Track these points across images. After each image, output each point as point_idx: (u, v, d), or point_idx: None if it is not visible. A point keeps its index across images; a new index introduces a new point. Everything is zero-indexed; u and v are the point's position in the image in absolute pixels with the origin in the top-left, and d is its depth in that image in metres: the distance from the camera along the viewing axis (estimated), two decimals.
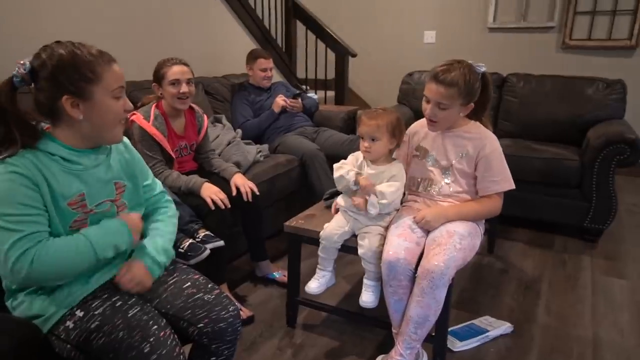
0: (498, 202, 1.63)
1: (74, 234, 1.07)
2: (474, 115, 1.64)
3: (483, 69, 1.56)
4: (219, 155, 2.29)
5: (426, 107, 1.58)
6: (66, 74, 1.02)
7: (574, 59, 3.93)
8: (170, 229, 1.31)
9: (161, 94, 1.98)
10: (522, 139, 3.05)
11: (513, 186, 1.62)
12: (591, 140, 2.58)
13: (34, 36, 2.19)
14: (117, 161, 1.21)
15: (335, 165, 1.64)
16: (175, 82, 1.93)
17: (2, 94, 1.01)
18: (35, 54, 1.05)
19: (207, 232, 1.80)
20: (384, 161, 1.62)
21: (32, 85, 1.05)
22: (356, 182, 1.56)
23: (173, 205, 1.38)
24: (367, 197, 1.54)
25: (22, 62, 1.02)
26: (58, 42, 1.07)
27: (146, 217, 1.30)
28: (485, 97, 1.61)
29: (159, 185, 1.37)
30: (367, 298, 1.60)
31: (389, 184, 1.55)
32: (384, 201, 1.52)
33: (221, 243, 1.79)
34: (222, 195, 1.88)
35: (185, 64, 1.98)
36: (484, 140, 1.60)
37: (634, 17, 3.65)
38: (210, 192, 1.87)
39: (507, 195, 1.67)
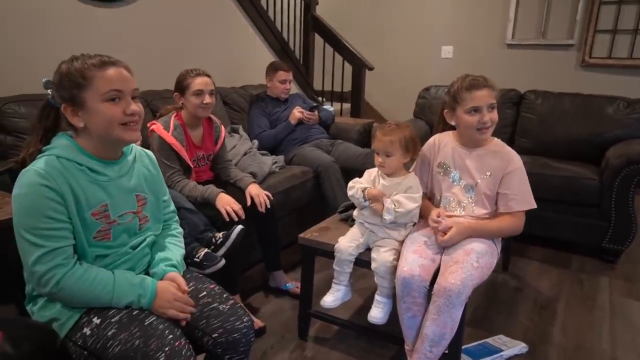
0: (520, 220, 1.63)
1: (107, 270, 1.11)
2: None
3: None
4: (236, 165, 2.31)
5: (474, 120, 1.56)
6: (63, 84, 1.08)
7: (594, 77, 3.89)
8: (182, 242, 1.37)
9: (182, 103, 2.01)
10: (540, 156, 3.02)
11: (534, 206, 1.62)
12: (611, 160, 2.55)
13: (63, 47, 2.26)
14: (142, 174, 1.24)
15: (349, 184, 1.67)
16: (199, 93, 1.97)
17: (42, 115, 1.12)
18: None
19: (207, 251, 1.77)
20: (398, 173, 1.63)
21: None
22: (366, 198, 1.59)
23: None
24: (385, 204, 1.55)
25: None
26: (73, 56, 1.12)
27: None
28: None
29: (172, 203, 1.41)
30: (377, 314, 1.59)
31: (408, 196, 1.56)
32: (400, 209, 1.53)
33: (240, 227, 1.81)
34: (237, 207, 1.89)
35: (208, 76, 2.02)
36: (507, 160, 1.60)
37: None
38: (225, 203, 1.89)
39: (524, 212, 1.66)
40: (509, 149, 1.64)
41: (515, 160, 1.61)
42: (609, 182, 2.49)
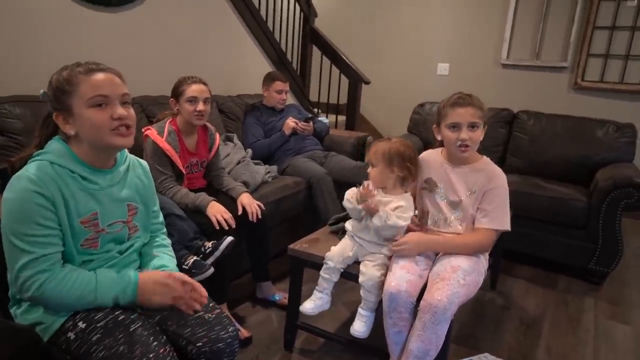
0: (488, 238, 1.60)
1: (89, 271, 1.10)
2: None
3: None
4: (229, 174, 2.32)
5: (453, 136, 1.59)
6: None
7: (585, 100, 3.95)
8: (172, 252, 1.37)
9: (177, 109, 2.02)
10: (530, 176, 3.06)
11: (507, 228, 1.60)
12: (599, 182, 2.59)
13: (59, 51, 2.26)
14: (134, 184, 1.24)
15: (346, 193, 1.68)
16: (193, 100, 1.98)
17: (44, 123, 1.14)
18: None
19: (214, 241, 1.81)
20: (393, 191, 1.64)
21: None
22: (359, 200, 1.60)
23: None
24: (379, 211, 1.56)
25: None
26: (64, 66, 1.12)
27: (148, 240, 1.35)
28: None
29: (161, 214, 1.41)
30: (359, 328, 1.59)
31: (399, 215, 1.56)
32: (389, 222, 1.54)
33: (230, 238, 1.80)
34: (228, 215, 1.89)
35: (204, 83, 2.03)
36: (491, 177, 1.61)
37: None
38: (216, 211, 1.89)
39: (513, 231, 1.67)
40: (495, 167, 1.66)
41: (499, 178, 1.62)
42: (597, 205, 2.53)
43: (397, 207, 1.58)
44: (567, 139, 3.07)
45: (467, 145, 1.58)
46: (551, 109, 3.41)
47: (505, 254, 2.61)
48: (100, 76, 1.08)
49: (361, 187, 1.59)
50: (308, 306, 1.68)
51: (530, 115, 3.28)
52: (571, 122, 3.14)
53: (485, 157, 1.68)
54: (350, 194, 1.66)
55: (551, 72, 4.07)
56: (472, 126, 1.57)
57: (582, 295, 2.50)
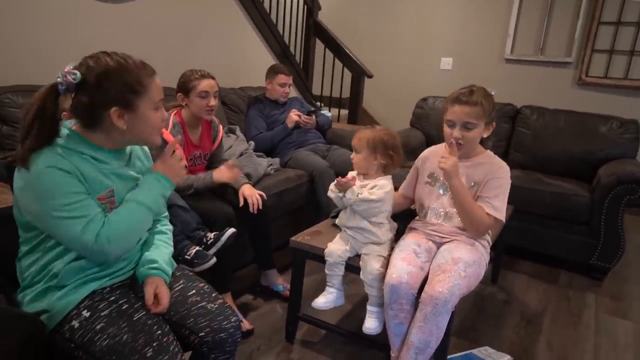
0: (489, 222, 1.57)
1: (123, 203, 1.13)
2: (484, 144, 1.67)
3: (494, 92, 1.62)
4: None
5: (449, 132, 1.59)
6: (115, 86, 1.06)
7: (589, 95, 3.94)
8: (170, 240, 1.35)
9: (185, 104, 2.02)
10: (533, 171, 3.06)
11: (502, 219, 1.59)
12: (602, 178, 2.58)
13: (62, 41, 2.26)
14: (137, 164, 1.25)
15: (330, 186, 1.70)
16: (205, 95, 1.98)
17: (48, 102, 1.04)
18: (81, 63, 1.06)
19: (216, 232, 1.81)
20: (374, 176, 1.67)
21: (75, 92, 1.06)
22: (339, 190, 1.62)
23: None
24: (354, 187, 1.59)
25: (71, 71, 1.02)
26: (104, 52, 1.09)
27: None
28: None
29: None
30: (371, 325, 1.60)
31: (371, 192, 1.59)
32: (360, 196, 1.56)
33: (232, 230, 1.81)
34: (232, 174, 1.97)
35: (213, 78, 2.03)
36: (495, 168, 1.61)
37: None
38: (222, 176, 1.96)
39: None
40: (499, 160, 1.65)
41: (503, 170, 1.62)
42: (599, 200, 2.52)
43: (373, 186, 1.62)
44: (570, 135, 3.06)
45: (460, 144, 1.58)
46: (555, 104, 3.40)
47: (506, 250, 2.61)
48: (157, 80, 1.14)
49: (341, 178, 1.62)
50: (320, 301, 1.68)
51: (533, 110, 3.27)
52: (574, 117, 3.13)
53: (488, 150, 1.68)
54: (333, 184, 1.67)
55: (555, 67, 4.05)
56: (467, 126, 1.56)
57: (584, 291, 2.51)
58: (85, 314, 1.07)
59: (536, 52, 4.10)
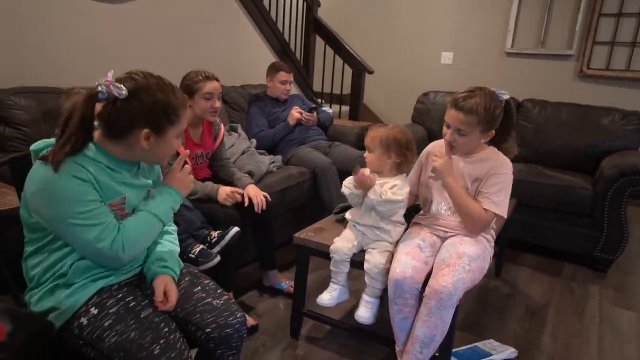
0: (488, 218, 1.58)
1: (139, 213, 1.17)
2: (497, 142, 1.64)
3: (506, 97, 1.57)
4: (234, 164, 2.33)
5: (446, 132, 1.60)
6: (157, 115, 1.10)
7: (591, 88, 3.93)
8: (176, 239, 1.37)
9: (190, 105, 2.02)
10: (535, 164, 3.05)
11: (504, 215, 1.59)
12: (605, 171, 2.58)
13: (62, 42, 2.27)
14: (147, 170, 1.26)
15: (344, 182, 1.70)
16: (210, 98, 1.99)
17: (89, 109, 1.05)
18: (126, 78, 1.08)
19: (220, 231, 1.82)
20: (388, 175, 1.66)
21: (112, 103, 1.07)
22: (356, 186, 1.61)
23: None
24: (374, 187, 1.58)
25: (117, 85, 1.04)
26: (149, 73, 1.12)
27: None
28: (509, 124, 1.62)
29: None
30: (364, 314, 1.61)
31: (394, 192, 1.59)
32: (385, 197, 1.56)
33: (236, 229, 1.82)
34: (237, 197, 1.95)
35: (218, 79, 2.03)
36: (497, 164, 1.61)
37: None
38: (227, 200, 1.93)
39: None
40: (502, 156, 1.64)
41: (505, 167, 1.61)
42: (602, 193, 2.52)
43: (393, 186, 1.61)
44: (572, 128, 3.06)
45: (453, 147, 1.58)
46: (556, 97, 3.39)
47: (510, 243, 2.62)
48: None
49: (356, 173, 1.60)
50: (325, 298, 1.69)
51: (535, 104, 3.27)
52: (577, 110, 3.12)
53: (492, 147, 1.66)
54: (349, 181, 1.67)
55: (556, 60, 4.04)
56: (460, 133, 1.55)
57: (588, 283, 2.51)
58: (94, 311, 1.08)
59: (537, 45, 4.09)
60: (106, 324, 1.05)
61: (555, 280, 2.53)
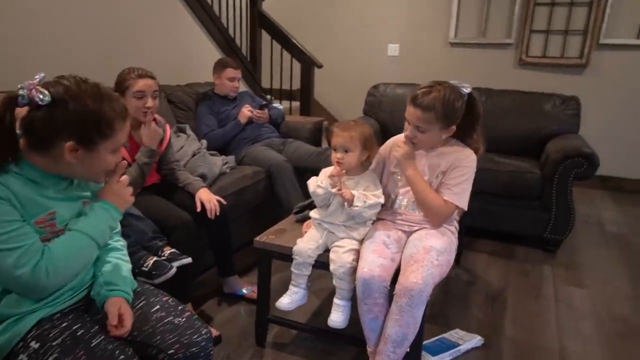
0: (448, 209, 1.57)
1: (67, 233, 1.02)
2: (462, 135, 1.63)
3: (468, 90, 1.56)
4: (185, 167, 2.20)
5: (407, 128, 1.57)
6: (85, 126, 0.97)
7: (530, 75, 4.09)
8: (126, 255, 1.25)
9: None
10: (485, 152, 3.12)
11: (464, 207, 1.59)
12: (551, 154, 2.68)
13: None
14: (82, 183, 1.13)
15: (309, 182, 1.63)
16: (141, 96, 1.83)
17: (7, 111, 0.93)
18: (53, 83, 0.96)
19: (173, 250, 1.71)
20: (356, 172, 1.62)
21: (35, 109, 0.94)
22: (332, 186, 1.54)
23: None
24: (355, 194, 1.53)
25: (40, 89, 0.92)
26: (82, 79, 0.98)
27: None
28: (472, 118, 1.61)
29: None
30: (337, 318, 1.56)
31: (373, 194, 1.55)
32: (369, 202, 1.52)
33: (189, 260, 1.71)
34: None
35: (152, 77, 1.88)
36: (461, 156, 1.60)
37: (584, 37, 3.85)
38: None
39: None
40: (466, 149, 1.62)
41: (468, 160, 1.60)
42: (549, 176, 2.62)
43: (366, 187, 1.57)
44: (516, 114, 3.16)
45: (413, 142, 1.56)
46: (500, 84, 3.48)
47: (467, 230, 2.66)
48: (128, 121, 1.07)
49: (325, 172, 1.55)
50: (285, 301, 1.63)
51: (481, 92, 3.34)
52: (519, 97, 3.23)
53: (454, 140, 1.65)
54: (316, 180, 1.61)
55: (497, 49, 4.17)
56: (418, 129, 1.52)
57: (540, 264, 2.60)
58: (34, 345, 0.96)
59: (479, 34, 4.20)
60: (50, 359, 0.93)
61: (509, 263, 2.60)
